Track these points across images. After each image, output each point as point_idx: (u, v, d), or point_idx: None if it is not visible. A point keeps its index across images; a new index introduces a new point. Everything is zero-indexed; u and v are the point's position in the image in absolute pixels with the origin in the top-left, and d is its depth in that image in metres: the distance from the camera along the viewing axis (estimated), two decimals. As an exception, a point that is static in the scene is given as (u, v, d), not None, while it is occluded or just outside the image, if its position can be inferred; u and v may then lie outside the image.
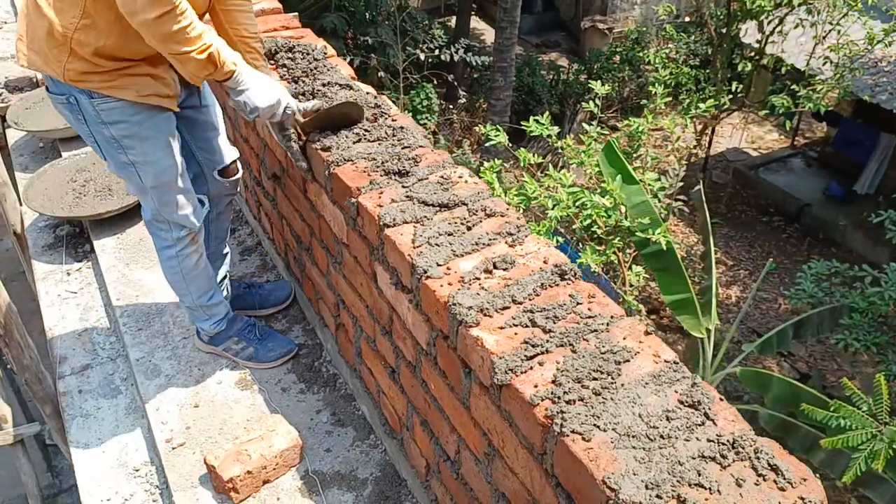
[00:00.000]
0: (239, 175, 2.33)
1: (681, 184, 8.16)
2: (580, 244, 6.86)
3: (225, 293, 2.53)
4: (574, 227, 6.03)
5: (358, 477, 2.11)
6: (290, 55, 2.38)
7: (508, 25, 9.84)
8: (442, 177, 1.89)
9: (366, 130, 2.07)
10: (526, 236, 1.70)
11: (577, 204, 5.70)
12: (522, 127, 6.13)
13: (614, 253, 6.10)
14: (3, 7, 5.21)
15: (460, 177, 1.90)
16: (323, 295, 2.38)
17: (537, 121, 6.02)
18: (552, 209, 5.61)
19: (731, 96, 9.39)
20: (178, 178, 2.07)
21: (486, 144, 5.95)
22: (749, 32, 9.85)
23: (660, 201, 6.67)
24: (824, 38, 8.94)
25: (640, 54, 11.84)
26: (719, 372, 6.26)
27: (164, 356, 2.47)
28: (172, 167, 2.04)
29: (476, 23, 15.40)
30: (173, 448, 2.17)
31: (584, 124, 7.36)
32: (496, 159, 5.88)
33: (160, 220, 2.14)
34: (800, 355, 9.68)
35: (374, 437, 2.23)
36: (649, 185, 6.34)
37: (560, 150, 6.42)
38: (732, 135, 12.95)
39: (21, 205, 3.24)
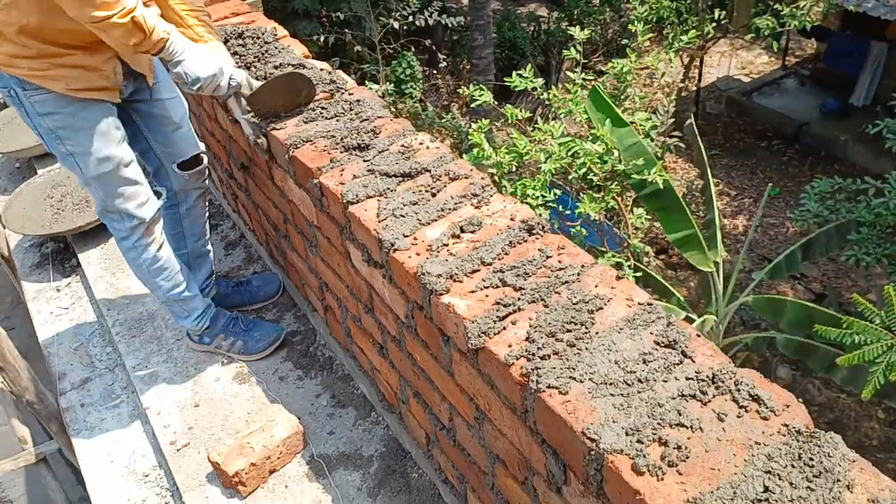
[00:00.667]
0: (200, 168, 2.29)
1: (672, 120, 8.05)
2: (579, 194, 6.80)
3: (213, 292, 2.52)
4: (570, 177, 5.97)
5: (363, 455, 2.12)
6: (240, 41, 2.33)
7: (482, -21, 9.65)
8: (402, 146, 1.86)
9: (322, 108, 2.03)
10: (491, 195, 1.67)
11: (570, 154, 5.63)
12: (507, 83, 6.04)
13: (613, 198, 6.04)
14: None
15: (421, 143, 1.87)
16: (306, 280, 2.36)
17: (520, 75, 5.92)
18: (545, 162, 5.54)
19: (714, 24, 9.21)
20: (121, 168, 2.03)
21: (473, 105, 5.87)
22: (725, -44, 9.62)
23: (653, 140, 6.59)
24: (803, -49, 8.71)
25: (620, -7, 11.63)
26: (732, 303, 6.23)
27: (159, 360, 2.47)
28: (112, 157, 2.00)
29: (450, -17, 15.13)
30: (178, 450, 2.18)
31: (569, 72, 7.25)
32: (484, 119, 5.80)
33: (110, 211, 2.11)
34: (813, 276, 9.63)
35: (375, 413, 2.22)
36: (640, 125, 6.25)
37: (548, 102, 6.33)
38: (721, 63, 12.74)
39: (3, 227, 3.23)
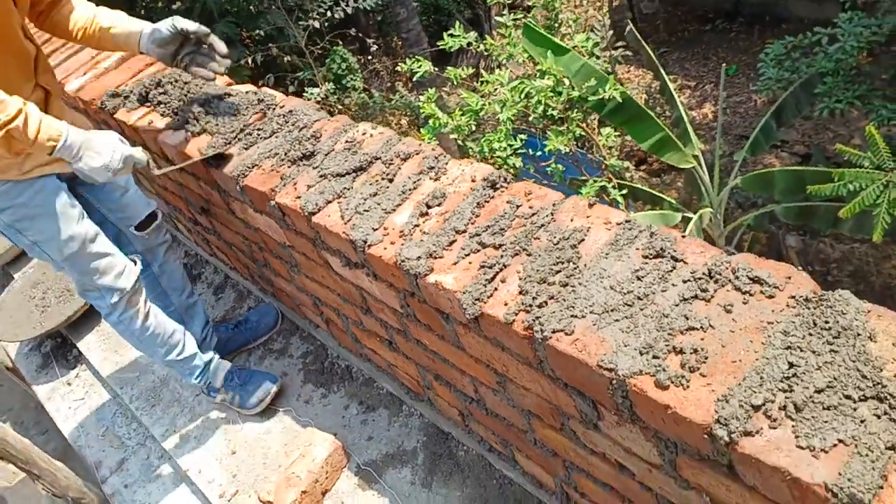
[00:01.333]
0: (156, 223, 2.26)
1: (612, 32, 7.97)
2: (544, 132, 6.75)
3: (215, 339, 2.50)
4: (531, 119, 5.92)
5: (406, 449, 2.12)
6: (160, 90, 2.28)
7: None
8: (347, 142, 1.83)
9: (258, 129, 2.00)
10: (447, 163, 1.64)
11: (524, 96, 5.57)
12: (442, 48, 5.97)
13: (578, 126, 5.99)
14: None
15: (364, 133, 1.84)
16: (299, 300, 2.34)
17: (451, 35, 5.86)
18: (502, 112, 5.49)
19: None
20: (88, 244, 2.00)
21: (415, 79, 5.81)
22: None
23: (599, 58, 6.53)
24: None
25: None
26: (723, 189, 6.22)
27: (185, 421, 2.46)
28: (75, 236, 1.96)
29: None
30: (229, 500, 2.18)
31: (498, 17, 7.16)
32: (430, 89, 5.74)
33: (89, 290, 2.08)
34: (794, 139, 9.62)
35: (406, 407, 2.22)
36: (582, 46, 6.18)
37: (486, 53, 6.26)
38: (645, -39, 12.58)
39: (-2, 340, 3.21)
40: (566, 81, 5.72)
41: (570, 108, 5.86)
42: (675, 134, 5.95)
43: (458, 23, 7.58)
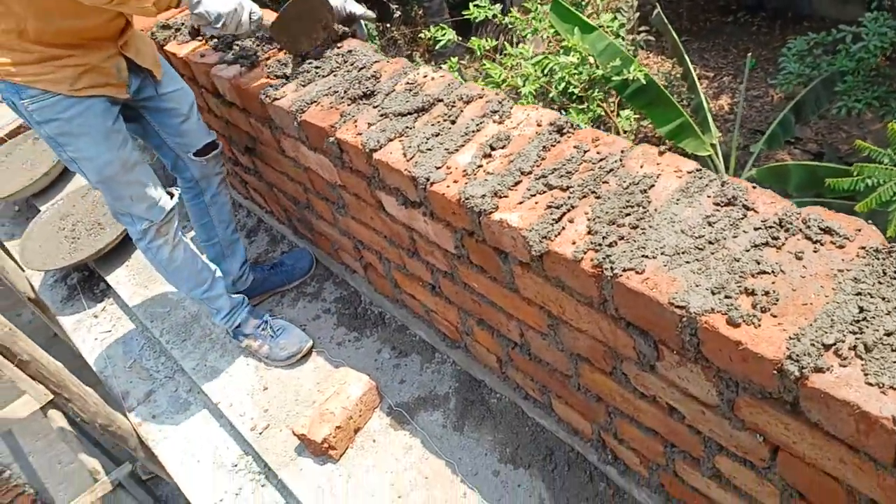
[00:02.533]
0: (216, 152, 2.29)
1: (637, 14, 7.94)
2: (563, 110, 6.76)
3: (251, 278, 2.53)
4: (550, 95, 5.92)
5: (438, 394, 2.16)
6: (215, 24, 2.29)
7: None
8: (407, 83, 1.85)
9: (316, 67, 2.01)
10: (511, 108, 1.66)
11: (546, 71, 5.57)
12: (465, 18, 5.95)
13: (598, 105, 6.00)
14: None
15: (425, 76, 1.85)
16: (339, 244, 2.37)
17: (477, 5, 5.84)
18: (524, 86, 5.48)
19: None
20: (125, 171, 2.03)
21: (437, 48, 5.79)
22: None
23: (623, 40, 6.52)
24: None
25: None
26: (737, 180, 6.22)
27: (216, 356, 2.50)
28: (114, 161, 1.99)
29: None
30: (260, 433, 2.22)
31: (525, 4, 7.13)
32: (451, 58, 5.73)
33: (121, 213, 2.13)
34: (807, 137, 9.62)
35: (439, 354, 2.26)
36: (608, 27, 6.17)
37: (510, 27, 6.24)
38: (670, -52, 12.49)
39: (23, 270, 3.23)
40: (591, 60, 5.72)
41: (590, 87, 5.86)
42: (694, 121, 5.96)
43: (485, -1, 7.53)
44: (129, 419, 2.55)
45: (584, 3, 7.28)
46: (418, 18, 12.19)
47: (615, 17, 6.72)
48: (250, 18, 1.92)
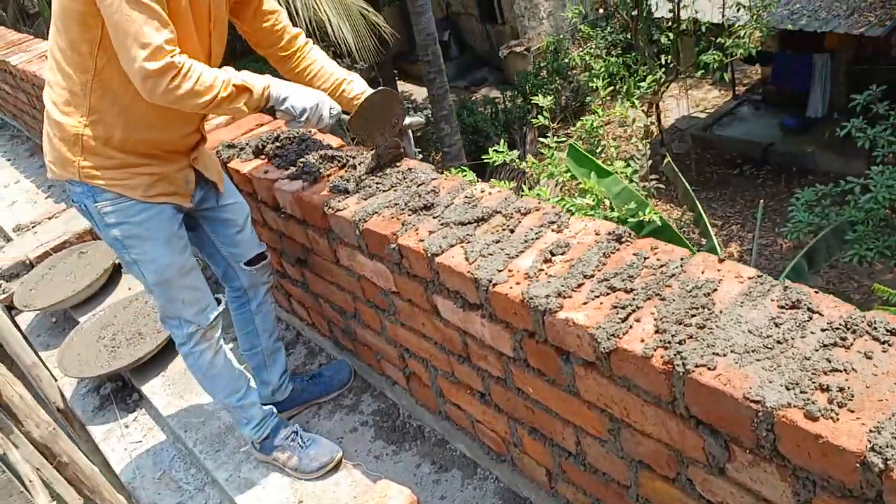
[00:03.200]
0: (265, 262, 2.38)
1: (650, 162, 8.31)
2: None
3: (290, 388, 2.54)
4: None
5: (481, 512, 2.10)
6: (277, 144, 2.45)
7: (437, 75, 10.09)
8: (466, 197, 1.95)
9: (378, 182, 2.13)
10: (569, 220, 1.75)
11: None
12: (483, 161, 6.26)
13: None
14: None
15: (482, 191, 1.96)
16: (384, 353, 2.39)
17: (496, 150, 6.17)
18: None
19: (663, 69, 9.67)
20: (181, 276, 2.11)
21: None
22: (659, 6, 10.20)
23: (636, 185, 6.81)
24: (729, -13, 9.30)
25: (566, 61, 12.18)
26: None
27: (250, 468, 2.45)
28: (173, 265, 2.08)
29: (402, 86, 15.78)
30: (294, 548, 2.15)
31: (540, 139, 7.52)
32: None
33: (170, 317, 2.18)
34: (818, 285, 9.74)
35: (481, 469, 2.22)
36: (621, 173, 6.47)
37: (525, 172, 6.55)
38: (675, 106, 13.26)
39: (56, 380, 3.24)
40: (606, 203, 5.95)
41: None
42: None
43: (503, 140, 7.96)
44: (154, 533, 2.47)
45: (598, 150, 7.65)
46: (437, 163, 12.79)
47: (628, 164, 7.04)
48: (330, 113, 2.07)
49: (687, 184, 6.90)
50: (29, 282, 3.68)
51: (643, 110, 10.86)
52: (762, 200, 7.23)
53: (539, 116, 7.93)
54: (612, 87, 8.63)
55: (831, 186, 7.36)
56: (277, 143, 2.46)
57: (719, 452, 1.33)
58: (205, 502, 2.51)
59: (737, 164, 12.09)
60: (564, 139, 8.44)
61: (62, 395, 3.21)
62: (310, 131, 2.47)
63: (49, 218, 4.21)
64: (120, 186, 1.98)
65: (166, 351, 3.05)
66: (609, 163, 6.96)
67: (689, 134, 12.49)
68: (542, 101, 7.96)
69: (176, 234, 2.10)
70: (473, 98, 14.26)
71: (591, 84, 8.50)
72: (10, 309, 3.66)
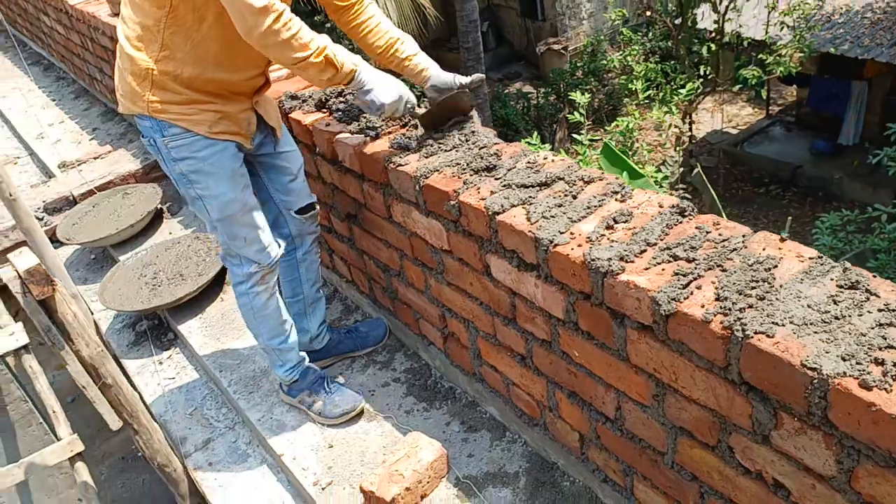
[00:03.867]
0: (315, 212, 2.46)
1: (681, 169, 8.31)
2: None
3: (327, 338, 2.61)
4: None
5: (508, 472, 2.16)
6: (341, 99, 2.51)
7: (475, 64, 10.12)
8: (528, 162, 2.00)
9: (440, 143, 2.18)
10: (632, 191, 1.80)
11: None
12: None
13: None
14: (13, 144, 5.37)
15: (545, 158, 2.01)
16: (423, 313, 2.45)
17: (529, 142, 6.21)
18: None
19: (701, 80, 9.65)
20: (244, 213, 2.18)
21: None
22: (704, 16, 10.18)
23: (665, 191, 6.83)
24: (775, 5, 9.27)
25: (604, 62, 12.17)
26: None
27: (282, 411, 2.52)
28: (236, 201, 2.16)
29: (436, 73, 15.77)
30: (323, 489, 2.21)
31: (571, 136, 7.53)
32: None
33: (231, 255, 2.26)
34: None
35: (510, 433, 2.28)
36: (652, 177, 6.50)
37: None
38: (708, 119, 13.23)
39: (92, 314, 3.32)
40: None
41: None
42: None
43: (536, 133, 7.99)
44: (184, 464, 2.54)
45: (631, 152, 7.66)
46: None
47: (659, 169, 7.04)
48: (405, 107, 2.15)
49: (714, 193, 6.91)
50: (72, 217, 3.76)
51: (680, 118, 10.85)
52: (790, 218, 7.22)
53: (575, 113, 7.97)
54: (649, 92, 8.65)
55: (857, 213, 7.35)
56: (341, 99, 2.51)
57: (767, 419, 1.38)
58: (235, 440, 2.58)
59: (764, 182, 12.05)
60: (596, 140, 8.46)
61: (97, 329, 3.28)
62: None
63: (95, 158, 4.29)
64: (186, 121, 2.05)
65: (205, 294, 3.12)
66: (641, 166, 7.00)
67: (720, 148, 12.46)
68: (580, 98, 7.99)
69: (238, 171, 2.17)
70: (506, 91, 14.27)
71: (629, 86, 8.52)
72: (52, 241, 3.73)
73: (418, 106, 2.21)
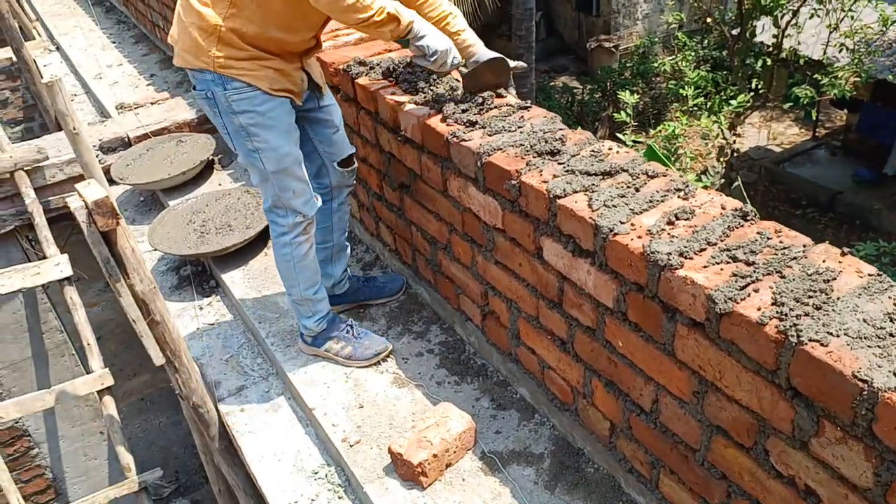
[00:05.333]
0: (355, 166, 2.61)
1: (723, 181, 8.24)
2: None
3: (347, 285, 2.74)
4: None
5: (533, 452, 2.20)
6: (409, 70, 2.54)
7: (525, 52, 10.08)
8: (593, 151, 2.02)
9: (504, 124, 2.21)
10: (695, 190, 1.81)
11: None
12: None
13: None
14: (70, 81, 5.47)
15: (610, 148, 2.03)
16: (465, 289, 2.49)
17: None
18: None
19: (752, 93, 9.53)
20: (296, 166, 2.30)
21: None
22: (764, 29, 10.03)
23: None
24: (837, 25, 9.11)
25: (656, 65, 12.04)
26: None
27: (318, 366, 2.58)
28: (290, 154, 2.27)
29: (484, 57, 15.73)
30: (351, 446, 2.27)
31: (619, 135, 7.50)
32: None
33: (278, 206, 2.34)
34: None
35: (539, 416, 2.32)
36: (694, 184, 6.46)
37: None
38: (752, 134, 13.08)
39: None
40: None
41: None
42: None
43: (579, 128, 7.93)
44: (216, 407, 2.62)
45: (673, 157, 7.60)
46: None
47: (700, 178, 6.98)
48: (452, 62, 2.24)
49: (756, 210, 6.84)
50: (126, 158, 3.84)
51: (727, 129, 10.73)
52: (826, 242, 7.13)
53: (622, 112, 7.92)
54: (699, 100, 8.57)
55: (893, 245, 7.26)
56: (408, 70, 2.54)
57: (809, 426, 1.40)
58: (268, 390, 2.65)
59: (801, 204, 11.90)
60: (638, 141, 8.40)
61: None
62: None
63: (152, 103, 4.36)
64: (250, 77, 2.15)
65: (250, 247, 3.19)
66: (682, 173, 6.96)
67: (762, 165, 12.32)
68: (629, 97, 7.94)
69: (293, 126, 2.29)
70: (552, 84, 14.20)
71: (679, 91, 8.44)
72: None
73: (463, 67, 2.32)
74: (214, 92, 2.17)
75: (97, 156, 3.99)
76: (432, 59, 2.19)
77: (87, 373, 3.68)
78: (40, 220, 3.69)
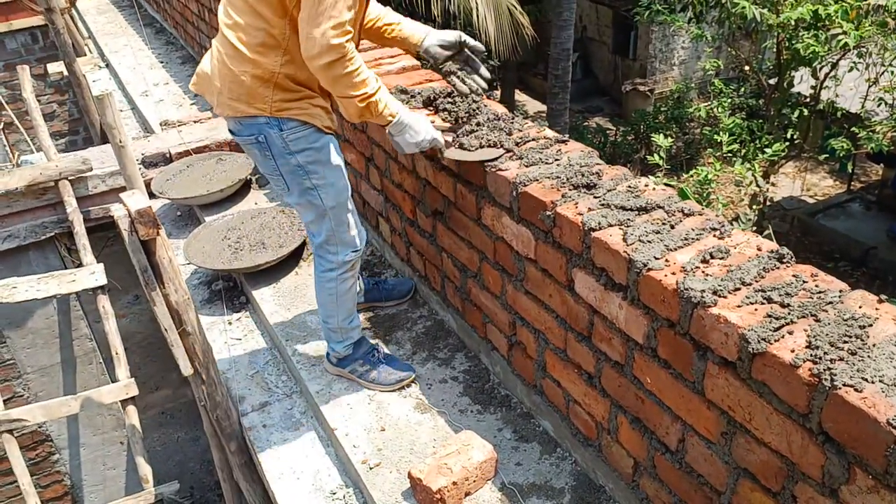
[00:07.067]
0: None
1: (753, 228, 8.16)
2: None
3: (359, 287, 2.78)
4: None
5: (554, 487, 2.18)
6: (449, 100, 2.58)
7: (560, 91, 10.16)
8: (629, 186, 2.03)
9: (541, 156, 2.23)
10: (731, 230, 1.81)
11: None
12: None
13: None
14: (118, 97, 5.62)
15: (646, 185, 2.04)
16: (493, 318, 2.49)
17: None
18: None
19: (787, 143, 9.49)
20: (349, 200, 2.35)
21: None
22: (802, 79, 10.02)
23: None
24: (877, 79, 9.07)
25: (691, 110, 12.06)
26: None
27: (342, 387, 2.59)
28: (348, 189, 2.34)
29: (519, 95, 15.89)
30: (371, 468, 2.27)
31: (651, 177, 7.46)
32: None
33: (331, 244, 2.37)
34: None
35: (561, 450, 2.30)
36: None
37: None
38: (785, 184, 12.99)
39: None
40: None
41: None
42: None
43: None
44: (239, 422, 2.63)
45: (705, 203, 7.57)
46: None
47: (732, 224, 6.90)
48: (430, 143, 2.29)
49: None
50: (167, 173, 3.93)
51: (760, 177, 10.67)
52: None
53: (655, 155, 7.93)
54: (733, 147, 8.55)
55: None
56: (449, 100, 2.59)
57: (840, 473, 1.38)
58: (290, 408, 2.66)
59: (834, 258, 11.74)
60: (670, 185, 8.37)
61: (174, 281, 3.42)
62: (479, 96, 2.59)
63: (195, 122, 4.47)
64: (305, 115, 2.20)
65: (281, 266, 3.23)
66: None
67: (795, 215, 12.20)
68: (662, 141, 7.95)
69: (342, 161, 2.33)
70: (585, 124, 14.27)
71: (714, 137, 8.43)
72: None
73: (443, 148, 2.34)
74: (268, 134, 2.18)
75: (139, 169, 4.09)
76: (406, 152, 2.27)
77: (113, 382, 3.73)
78: (80, 229, 3.78)
